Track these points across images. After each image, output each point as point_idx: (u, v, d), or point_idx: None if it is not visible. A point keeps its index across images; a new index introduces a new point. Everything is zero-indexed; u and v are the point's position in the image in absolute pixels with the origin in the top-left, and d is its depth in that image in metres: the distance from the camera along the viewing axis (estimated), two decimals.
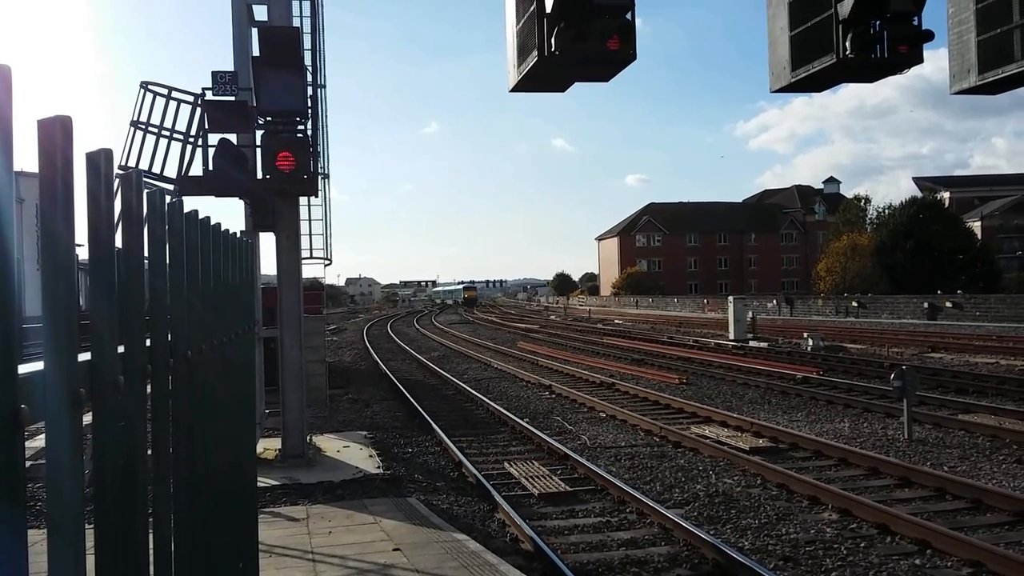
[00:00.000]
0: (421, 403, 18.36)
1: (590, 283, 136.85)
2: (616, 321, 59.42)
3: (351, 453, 12.83)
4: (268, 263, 12.81)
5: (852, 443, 13.00)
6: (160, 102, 11.47)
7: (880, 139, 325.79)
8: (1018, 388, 17.91)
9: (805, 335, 30.71)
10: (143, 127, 11.40)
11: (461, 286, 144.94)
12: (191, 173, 11.35)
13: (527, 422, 15.58)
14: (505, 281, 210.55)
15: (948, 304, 45.14)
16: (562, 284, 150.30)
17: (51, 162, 1.37)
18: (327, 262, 14.23)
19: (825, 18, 7.95)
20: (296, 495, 10.10)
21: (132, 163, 11.25)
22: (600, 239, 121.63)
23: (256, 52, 11.35)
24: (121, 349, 1.73)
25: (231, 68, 12.25)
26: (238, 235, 3.61)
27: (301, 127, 11.30)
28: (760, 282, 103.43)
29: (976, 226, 79.79)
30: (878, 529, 8.59)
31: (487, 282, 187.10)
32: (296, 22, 12.44)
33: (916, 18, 7.90)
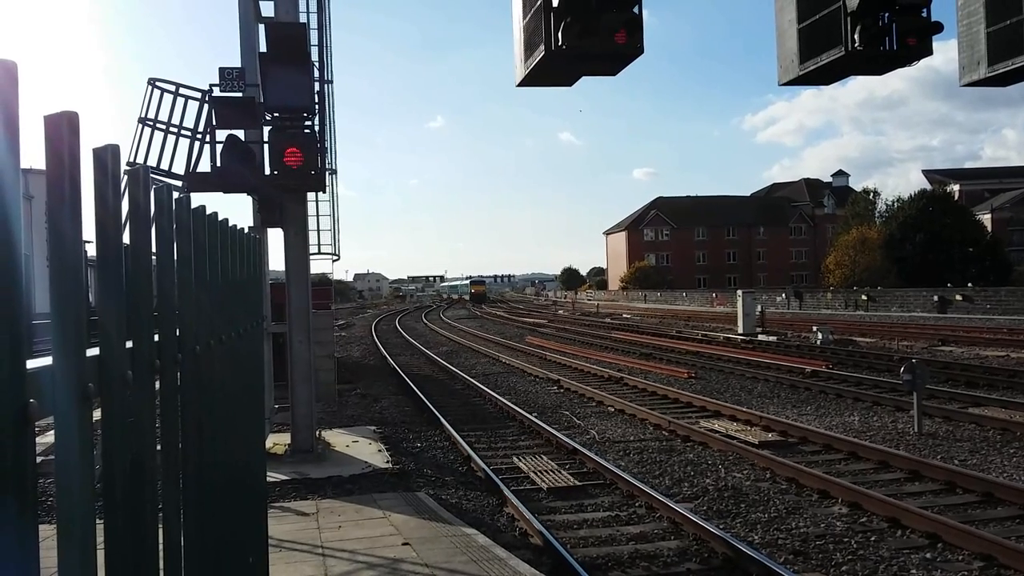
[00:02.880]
0: (430, 398, 18.38)
1: (598, 277, 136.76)
2: (624, 315, 59.35)
3: (360, 448, 12.85)
4: (276, 259, 12.85)
5: (862, 437, 12.96)
6: (168, 99, 11.50)
7: (890, 131, 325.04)
8: None
9: (814, 329, 30.60)
10: (151, 124, 11.43)
11: (469, 281, 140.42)
12: (199, 169, 11.38)
13: (536, 416, 15.58)
14: (513, 276, 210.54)
15: (958, 297, 44.95)
16: (570, 279, 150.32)
17: (58, 159, 1.38)
18: (335, 258, 14.25)
19: (833, 10, 7.91)
20: (305, 490, 10.13)
21: (141, 160, 11.28)
22: (608, 233, 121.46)
23: (263, 48, 11.36)
24: (129, 344, 1.73)
25: (238, 64, 12.26)
26: (246, 231, 3.61)
27: (308, 123, 11.31)
28: (769, 276, 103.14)
29: (986, 219, 79.35)
30: (888, 523, 8.57)
31: (495, 277, 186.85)
32: (303, 18, 12.44)
33: (925, 10, 7.85)
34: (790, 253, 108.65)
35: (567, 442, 12.93)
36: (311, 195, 12.81)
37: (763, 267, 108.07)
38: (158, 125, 11.42)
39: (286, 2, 12.26)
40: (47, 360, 1.35)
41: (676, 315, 56.12)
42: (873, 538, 8.21)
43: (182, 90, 11.58)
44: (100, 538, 1.51)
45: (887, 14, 7.82)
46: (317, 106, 11.44)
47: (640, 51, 7.34)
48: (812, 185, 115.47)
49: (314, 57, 11.93)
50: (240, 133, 11.69)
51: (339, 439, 13.56)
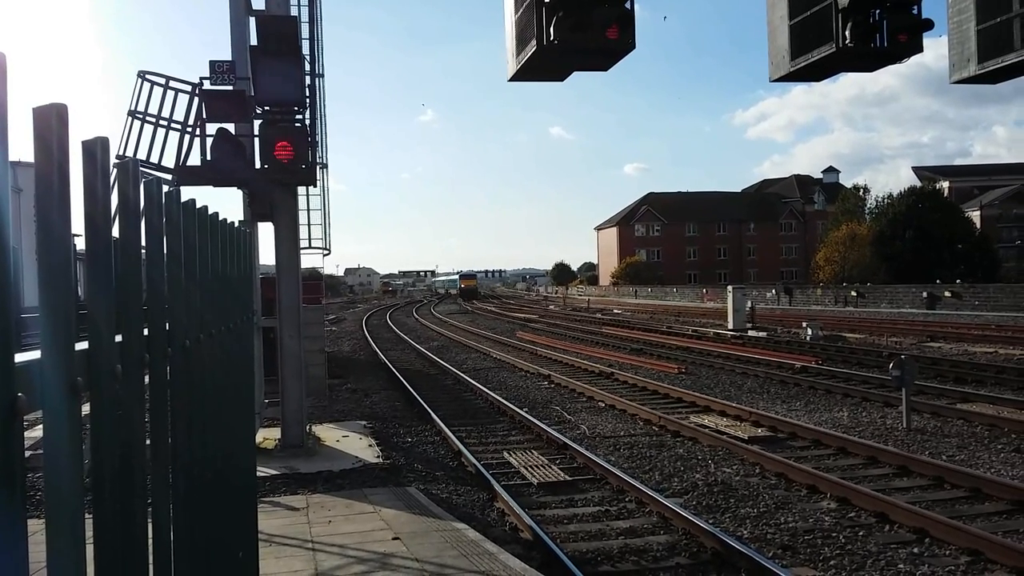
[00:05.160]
0: (420, 393, 18.37)
1: (589, 273, 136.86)
2: (615, 311, 59.42)
3: (350, 443, 12.85)
4: (267, 253, 12.81)
5: (851, 432, 13.02)
6: (158, 92, 11.43)
7: (881, 127, 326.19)
8: (1016, 377, 17.93)
9: (804, 324, 30.71)
10: (141, 117, 11.36)
11: (459, 275, 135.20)
12: (189, 163, 11.33)
13: (526, 412, 15.60)
14: (504, 271, 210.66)
15: (947, 293, 45.18)
16: (561, 274, 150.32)
17: (47, 151, 1.37)
18: (326, 252, 14.23)
19: (824, 7, 7.93)
20: (296, 485, 10.12)
21: (130, 153, 11.22)
22: (599, 229, 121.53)
23: (254, 42, 11.31)
24: (119, 338, 1.73)
25: (229, 58, 12.20)
26: (236, 225, 3.60)
27: (299, 117, 11.27)
28: (759, 272, 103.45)
29: (975, 215, 79.81)
30: (876, 518, 8.61)
31: (486, 272, 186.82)
32: (294, 11, 12.39)
33: (915, 7, 7.89)
34: (780, 249, 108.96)
35: (558, 437, 12.94)
36: (302, 189, 12.78)
37: (753, 263, 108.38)
38: (148, 118, 11.36)
39: None
40: (36, 354, 1.35)
41: (667, 311, 56.23)
42: (861, 533, 8.25)
43: (172, 83, 11.52)
44: (89, 532, 1.50)
45: (878, 11, 7.85)
46: (308, 100, 11.41)
47: (632, 47, 7.34)
48: (802, 181, 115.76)
49: (305, 50, 11.88)
50: (231, 127, 11.64)
51: (329, 434, 13.55)
